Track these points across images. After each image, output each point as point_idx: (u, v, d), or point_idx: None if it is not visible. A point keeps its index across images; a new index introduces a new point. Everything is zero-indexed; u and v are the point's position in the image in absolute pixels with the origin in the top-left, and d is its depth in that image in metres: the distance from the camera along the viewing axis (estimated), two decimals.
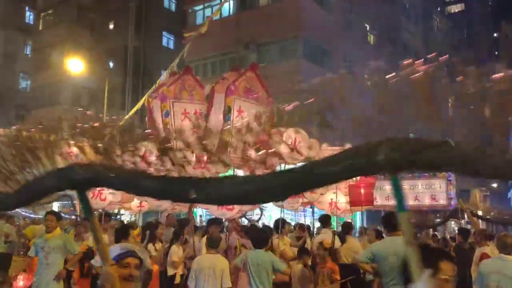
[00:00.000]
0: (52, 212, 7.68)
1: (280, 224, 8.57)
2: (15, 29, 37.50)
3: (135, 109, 20.57)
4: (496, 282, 5.19)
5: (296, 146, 7.94)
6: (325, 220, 9.00)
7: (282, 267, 6.08)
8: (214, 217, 8.99)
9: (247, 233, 8.42)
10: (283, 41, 25.69)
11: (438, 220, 18.22)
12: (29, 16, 40.42)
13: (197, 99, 10.21)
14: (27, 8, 40.09)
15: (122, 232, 6.32)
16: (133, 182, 1.91)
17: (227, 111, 9.35)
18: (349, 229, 9.25)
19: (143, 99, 19.00)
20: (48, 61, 34.01)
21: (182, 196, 1.82)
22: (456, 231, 13.95)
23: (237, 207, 8.30)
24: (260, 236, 6.29)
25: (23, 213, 20.69)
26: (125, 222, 14.91)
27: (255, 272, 5.90)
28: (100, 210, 10.67)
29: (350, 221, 10.92)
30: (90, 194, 3.62)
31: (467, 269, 7.96)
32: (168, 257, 8.18)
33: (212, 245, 6.01)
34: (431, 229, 17.37)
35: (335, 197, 9.80)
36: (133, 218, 15.68)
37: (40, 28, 37.56)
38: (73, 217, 14.93)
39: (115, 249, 3.93)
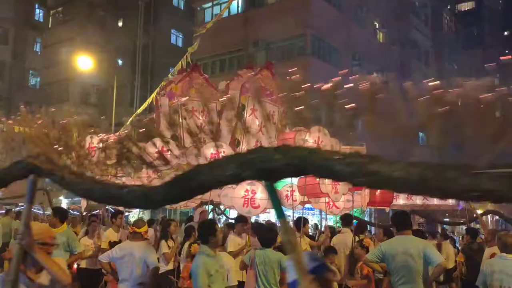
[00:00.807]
0: (55, 209, 7.74)
1: (302, 222, 8.50)
2: (25, 27, 37.76)
3: (143, 106, 20.67)
4: (499, 282, 5.21)
5: (319, 145, 7.91)
6: (346, 220, 8.96)
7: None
8: (238, 214, 8.96)
9: (254, 231, 8.41)
10: (292, 39, 25.62)
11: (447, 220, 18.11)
12: (39, 14, 40.64)
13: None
14: (37, 6, 40.31)
15: (209, 228, 5.35)
16: (367, 169, 1.44)
17: (241, 109, 9.37)
18: (363, 229, 9.20)
19: (152, 96, 19.10)
20: (58, 59, 34.20)
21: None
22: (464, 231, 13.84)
23: (262, 205, 8.29)
24: (267, 235, 6.25)
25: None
26: (132, 219, 14.94)
27: (262, 271, 5.88)
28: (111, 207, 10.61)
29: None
30: None
31: (477, 269, 7.89)
32: (182, 254, 8.06)
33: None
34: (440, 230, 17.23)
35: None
36: (140, 215, 15.71)
37: (50, 25, 37.76)
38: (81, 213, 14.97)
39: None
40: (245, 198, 8.23)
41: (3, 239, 12.25)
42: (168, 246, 8.09)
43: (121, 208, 9.30)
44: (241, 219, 8.51)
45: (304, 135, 7.96)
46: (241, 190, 8.17)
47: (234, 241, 8.10)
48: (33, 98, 37.19)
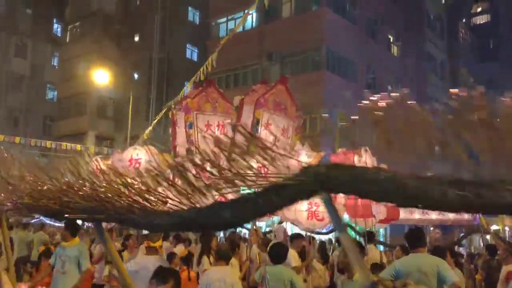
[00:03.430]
0: (65, 222, 7.69)
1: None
2: (43, 41, 38.49)
3: (157, 119, 20.87)
4: None
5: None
6: (370, 237, 8.89)
7: (300, 285, 5.97)
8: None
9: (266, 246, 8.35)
10: (306, 53, 25.72)
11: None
12: (57, 28, 41.42)
13: (220, 111, 10.36)
14: (55, 21, 41.11)
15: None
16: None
17: (255, 124, 9.42)
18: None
19: (165, 109, 19.31)
20: (75, 72, 34.75)
21: None
22: (483, 247, 13.60)
23: (326, 218, 8.21)
24: (278, 251, 6.16)
25: (47, 221, 20.92)
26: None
27: None
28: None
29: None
30: None
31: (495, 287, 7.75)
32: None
33: (222, 257, 5.91)
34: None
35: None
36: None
37: (68, 40, 38.43)
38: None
39: None
40: (309, 211, 8.20)
41: (20, 253, 12.29)
42: (210, 262, 7.84)
43: None
44: (298, 235, 8.46)
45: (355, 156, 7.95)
46: (305, 202, 8.13)
47: (295, 257, 7.94)
48: (51, 112, 37.82)
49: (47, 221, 20.42)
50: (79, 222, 8.70)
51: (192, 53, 35.88)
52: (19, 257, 11.95)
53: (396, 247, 9.71)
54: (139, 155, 8.83)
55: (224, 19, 29.41)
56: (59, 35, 40.67)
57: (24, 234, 13.16)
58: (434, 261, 5.13)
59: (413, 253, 5.24)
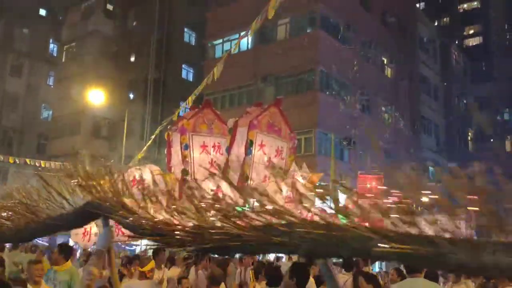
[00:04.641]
0: (60, 245, 7.49)
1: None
2: (39, 61, 38.61)
3: (152, 139, 20.87)
4: None
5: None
6: (349, 264, 8.76)
7: None
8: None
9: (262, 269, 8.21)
10: (300, 74, 25.93)
11: None
12: (53, 48, 41.60)
13: (216, 133, 10.38)
14: (51, 41, 41.30)
15: None
16: None
17: (249, 145, 9.46)
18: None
19: (159, 129, 19.34)
20: (70, 92, 34.73)
21: None
22: None
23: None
24: (275, 274, 6.10)
25: (40, 241, 20.59)
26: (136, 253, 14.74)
27: None
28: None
29: None
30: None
31: None
32: None
33: (214, 282, 5.84)
34: None
35: None
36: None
37: (63, 59, 38.56)
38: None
39: None
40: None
41: (10, 273, 12.09)
42: None
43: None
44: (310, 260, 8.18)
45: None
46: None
47: (313, 283, 7.40)
48: (45, 131, 37.71)
49: (39, 241, 20.15)
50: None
51: (187, 73, 36.08)
52: (9, 278, 11.75)
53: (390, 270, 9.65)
54: (143, 176, 8.68)
55: (220, 41, 29.66)
56: (55, 55, 40.81)
57: (12, 254, 12.95)
58: (432, 286, 5.11)
59: (411, 278, 5.22)
